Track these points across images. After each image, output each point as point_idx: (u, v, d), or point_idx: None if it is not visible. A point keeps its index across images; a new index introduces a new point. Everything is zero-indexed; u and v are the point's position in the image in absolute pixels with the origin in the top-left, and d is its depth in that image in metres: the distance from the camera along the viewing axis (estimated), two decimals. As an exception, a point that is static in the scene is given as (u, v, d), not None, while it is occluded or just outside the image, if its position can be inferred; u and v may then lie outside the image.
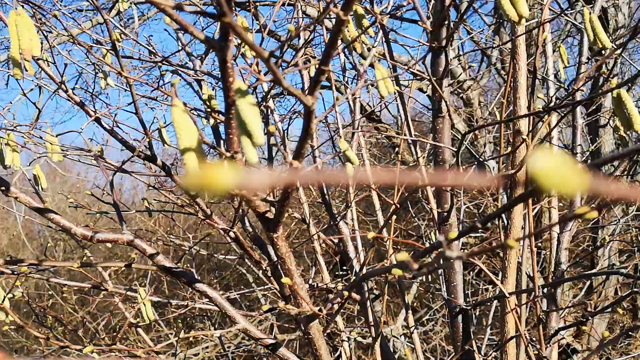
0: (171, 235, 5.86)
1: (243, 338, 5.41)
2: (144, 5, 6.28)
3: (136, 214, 6.45)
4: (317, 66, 0.88)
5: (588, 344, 4.80)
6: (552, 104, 2.99)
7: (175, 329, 6.11)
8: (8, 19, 1.11)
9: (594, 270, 4.44)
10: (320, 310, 1.39)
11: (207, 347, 5.66)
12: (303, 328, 1.55)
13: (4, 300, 1.83)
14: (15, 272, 1.84)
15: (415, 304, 6.47)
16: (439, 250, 0.95)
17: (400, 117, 2.95)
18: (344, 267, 4.89)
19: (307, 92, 0.92)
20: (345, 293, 1.40)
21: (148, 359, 1.95)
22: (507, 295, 2.11)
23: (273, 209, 1.33)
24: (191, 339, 5.38)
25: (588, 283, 4.57)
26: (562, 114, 2.18)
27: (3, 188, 1.58)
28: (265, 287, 3.66)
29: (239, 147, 1.20)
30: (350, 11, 0.82)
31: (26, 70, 1.23)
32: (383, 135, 6.41)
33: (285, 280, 1.33)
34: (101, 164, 2.08)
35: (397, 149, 6.38)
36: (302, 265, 5.90)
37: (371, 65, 3.02)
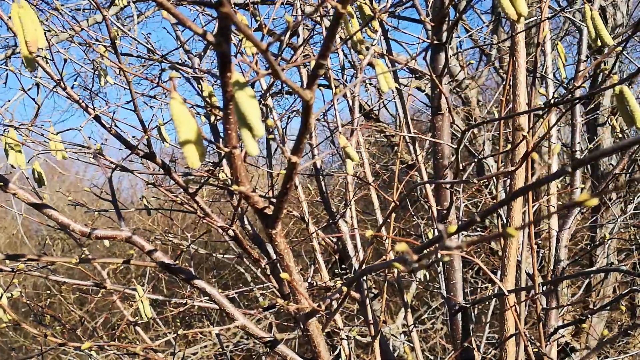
0: (169, 235, 5.86)
1: (242, 337, 5.40)
2: (142, 4, 6.27)
3: (135, 212, 6.44)
4: (315, 60, 0.88)
5: (587, 342, 4.80)
6: (551, 101, 2.98)
7: (174, 327, 6.10)
8: (11, 11, 1.11)
9: (593, 268, 4.44)
10: (319, 306, 1.38)
11: (205, 346, 5.65)
12: (302, 325, 1.55)
13: (1, 297, 1.83)
14: (14, 270, 1.83)
15: (414, 302, 6.47)
16: (439, 242, 0.95)
17: (399, 115, 2.94)
18: (343, 266, 4.89)
19: (305, 86, 0.91)
20: (344, 289, 1.40)
21: (146, 357, 1.94)
22: (506, 293, 2.10)
23: (271, 206, 1.33)
24: (190, 337, 5.37)
25: (586, 282, 4.57)
26: (562, 112, 2.18)
27: (1, 184, 1.57)
28: (264, 285, 3.65)
29: (237, 142, 1.19)
30: (348, 4, 0.82)
31: (33, 69, 1.22)
32: (382, 135, 6.41)
33: (284, 275, 1.32)
34: (100, 161, 2.07)
35: (395, 148, 6.37)
36: (301, 265, 5.90)
37: (370, 64, 3.02)
